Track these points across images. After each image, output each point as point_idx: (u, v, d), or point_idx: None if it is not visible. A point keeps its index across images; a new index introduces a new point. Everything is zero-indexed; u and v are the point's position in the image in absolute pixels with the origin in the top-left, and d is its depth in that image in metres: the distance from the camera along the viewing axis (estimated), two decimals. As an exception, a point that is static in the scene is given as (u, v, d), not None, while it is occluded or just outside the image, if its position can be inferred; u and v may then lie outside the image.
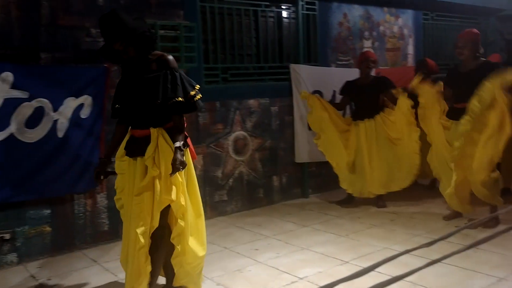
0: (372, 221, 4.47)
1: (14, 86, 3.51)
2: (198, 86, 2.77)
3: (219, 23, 4.88)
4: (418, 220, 4.44)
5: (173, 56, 4.28)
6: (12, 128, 3.53)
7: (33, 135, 3.63)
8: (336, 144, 4.94)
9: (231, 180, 4.93)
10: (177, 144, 2.61)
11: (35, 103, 3.60)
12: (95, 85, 3.88)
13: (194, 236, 2.87)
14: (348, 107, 5.44)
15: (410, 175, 4.78)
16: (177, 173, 2.58)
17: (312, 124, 5.04)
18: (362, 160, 4.88)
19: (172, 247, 2.76)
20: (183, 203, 2.68)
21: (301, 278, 3.17)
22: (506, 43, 5.21)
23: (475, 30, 4.24)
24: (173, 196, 2.63)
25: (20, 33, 3.68)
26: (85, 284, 3.29)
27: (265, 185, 5.23)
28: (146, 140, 2.68)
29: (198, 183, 4.57)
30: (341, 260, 3.46)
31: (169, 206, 2.69)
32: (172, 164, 2.56)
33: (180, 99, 2.64)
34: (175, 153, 2.57)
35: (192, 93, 2.70)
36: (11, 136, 3.54)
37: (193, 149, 2.99)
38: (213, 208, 4.82)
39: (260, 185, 5.19)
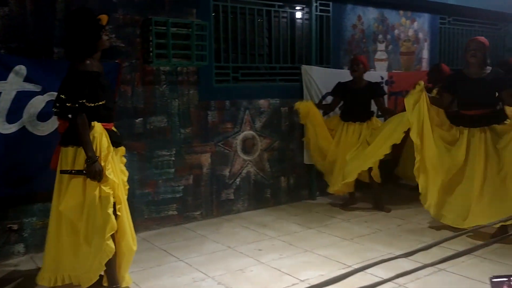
0: (378, 225, 4.44)
1: (27, 79, 3.56)
2: None
3: (231, 22, 4.88)
4: (426, 226, 4.39)
5: (185, 54, 4.39)
6: (24, 121, 3.59)
7: (45, 128, 3.68)
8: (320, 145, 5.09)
9: (238, 180, 4.94)
10: None
11: (47, 97, 3.64)
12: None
13: None
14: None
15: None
16: None
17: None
18: (342, 158, 4.88)
19: None
20: None
21: (302, 281, 3.16)
22: None
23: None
24: None
25: (34, 27, 3.73)
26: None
27: (273, 186, 5.22)
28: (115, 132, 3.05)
29: (205, 181, 4.69)
30: (344, 264, 3.44)
31: None
32: None
33: None
34: None
35: None
36: (23, 129, 3.60)
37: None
38: (219, 206, 4.83)
39: (268, 186, 5.19)
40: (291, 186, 5.39)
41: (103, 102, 2.81)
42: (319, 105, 5.23)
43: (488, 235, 3.89)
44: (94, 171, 2.71)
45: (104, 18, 2.94)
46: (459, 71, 4.32)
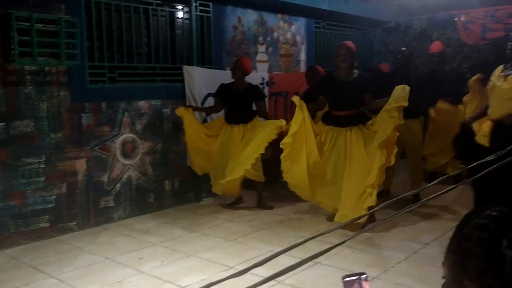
0: (261, 224, 4.53)
1: None
2: None
3: (106, 19, 4.63)
4: (305, 221, 4.59)
5: (53, 52, 4.06)
6: None
7: None
8: (202, 149, 5.07)
9: (118, 185, 4.70)
10: None
11: None
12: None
13: None
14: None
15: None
16: None
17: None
18: (227, 159, 4.93)
19: None
20: None
21: (183, 287, 3.09)
22: (393, 54, 5.56)
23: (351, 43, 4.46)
24: None
25: None
26: None
27: (156, 190, 5.07)
28: None
29: (81, 188, 4.38)
30: (226, 266, 3.44)
31: None
32: None
33: None
34: None
35: None
36: None
37: None
38: (98, 215, 4.55)
39: (151, 190, 5.02)
40: (176, 189, 5.28)
41: None
42: (202, 109, 5.23)
43: (358, 226, 4.16)
44: None
45: None
46: (330, 74, 4.58)
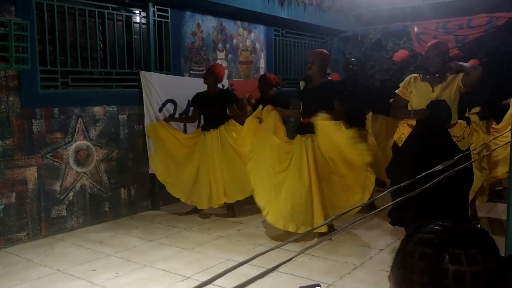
0: (220, 232, 4.49)
1: None
2: None
3: (59, 22, 4.48)
4: (263, 229, 4.58)
5: (2, 56, 3.88)
6: None
7: None
8: (174, 161, 5.05)
9: (71, 194, 4.54)
10: None
11: None
12: None
13: None
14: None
15: (246, 188, 4.81)
16: None
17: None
18: (206, 169, 4.91)
19: None
20: None
21: (138, 299, 3.02)
22: (345, 64, 5.62)
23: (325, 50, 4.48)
24: None
25: None
26: None
27: (112, 198, 4.93)
28: None
29: (31, 197, 4.21)
30: (183, 276, 3.38)
31: None
32: None
33: None
34: None
35: None
36: None
37: None
38: (50, 225, 4.38)
39: (106, 198, 4.88)
40: (132, 197, 5.16)
41: None
42: (177, 119, 5.26)
43: (316, 233, 4.19)
44: None
45: None
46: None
